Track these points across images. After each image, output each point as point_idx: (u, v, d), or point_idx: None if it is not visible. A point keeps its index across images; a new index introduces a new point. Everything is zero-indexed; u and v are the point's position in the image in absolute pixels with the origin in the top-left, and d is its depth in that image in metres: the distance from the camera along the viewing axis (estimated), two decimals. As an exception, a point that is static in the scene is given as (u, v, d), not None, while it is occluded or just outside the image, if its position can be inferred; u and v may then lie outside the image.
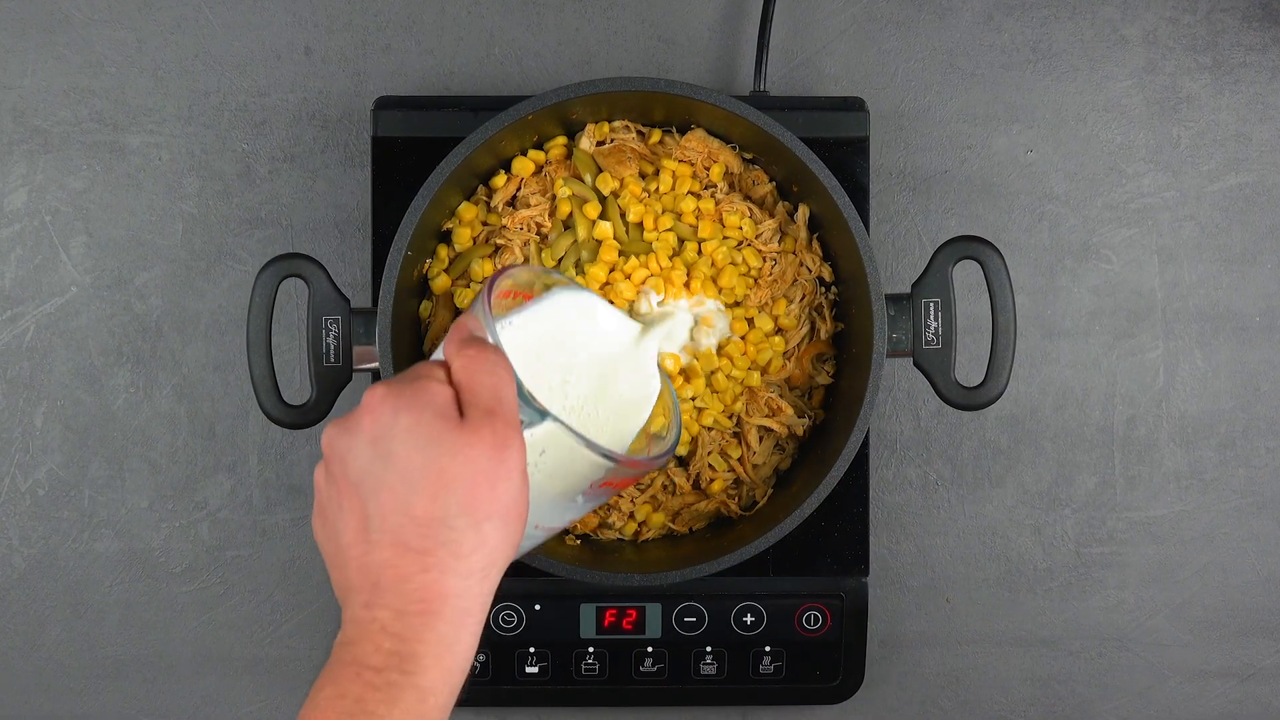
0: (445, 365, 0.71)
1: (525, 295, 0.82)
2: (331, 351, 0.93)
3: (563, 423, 0.71)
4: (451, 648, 0.66)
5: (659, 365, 0.88)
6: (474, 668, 1.00)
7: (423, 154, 0.98)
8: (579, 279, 0.96)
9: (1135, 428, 1.07)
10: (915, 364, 0.94)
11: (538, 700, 1.02)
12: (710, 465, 0.98)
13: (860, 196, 0.99)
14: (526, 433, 0.69)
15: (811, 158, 0.92)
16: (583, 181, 0.98)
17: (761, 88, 1.04)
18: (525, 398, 0.70)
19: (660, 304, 0.96)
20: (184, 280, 1.06)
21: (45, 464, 1.06)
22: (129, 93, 1.06)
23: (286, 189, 1.06)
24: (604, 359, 0.84)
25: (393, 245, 0.91)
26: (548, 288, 0.83)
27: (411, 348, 0.97)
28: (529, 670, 1.01)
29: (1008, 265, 0.94)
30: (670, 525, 0.99)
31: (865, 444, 1.01)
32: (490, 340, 0.72)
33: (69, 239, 1.05)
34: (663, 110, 0.98)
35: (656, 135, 0.99)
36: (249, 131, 1.06)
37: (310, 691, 0.65)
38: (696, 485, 0.99)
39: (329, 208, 1.06)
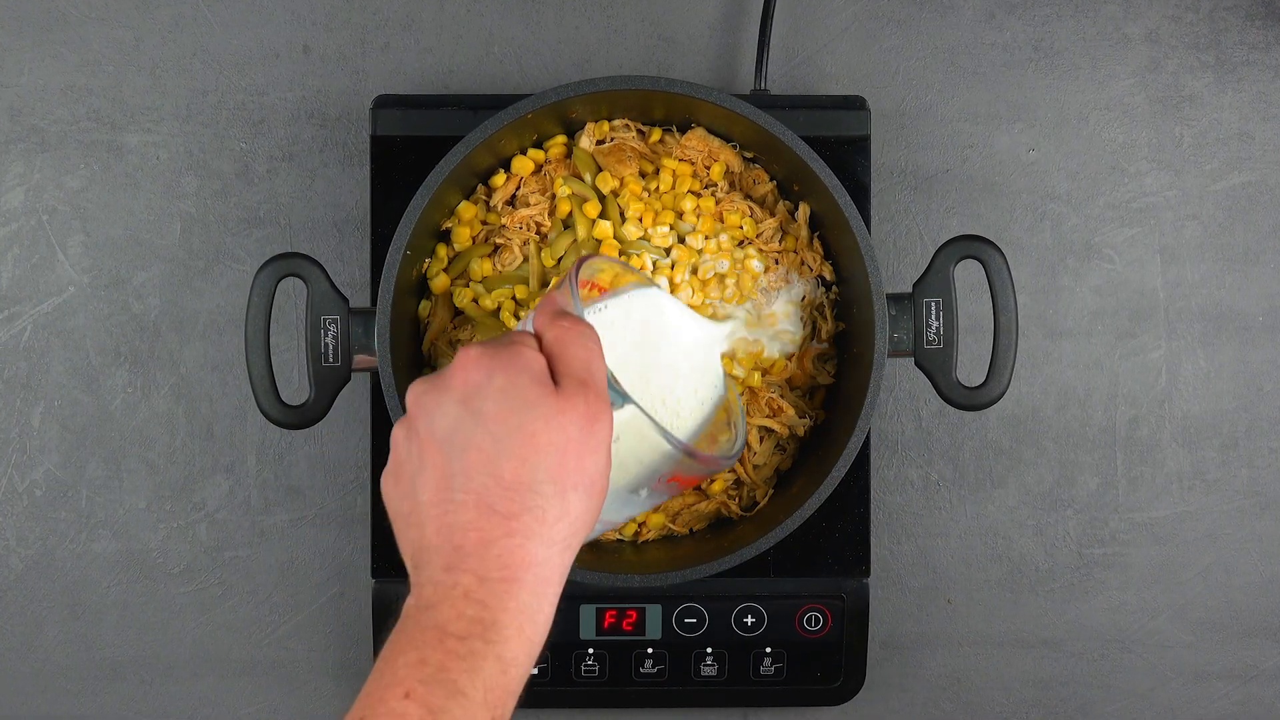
0: (535, 336, 0.70)
1: (601, 288, 0.82)
2: (330, 351, 0.92)
3: (643, 409, 0.70)
4: (533, 618, 0.65)
5: (724, 369, 0.88)
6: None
7: (422, 153, 0.98)
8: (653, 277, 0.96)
9: (1137, 428, 1.07)
10: (916, 364, 0.94)
11: (537, 702, 1.02)
12: (711, 466, 0.98)
13: (861, 195, 0.99)
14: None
15: (812, 156, 0.92)
16: (582, 180, 0.98)
17: (762, 86, 1.03)
18: (609, 380, 0.70)
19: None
20: (182, 280, 1.05)
21: (43, 464, 1.05)
22: (126, 91, 1.05)
23: (285, 188, 1.06)
24: (675, 358, 0.84)
25: (392, 244, 0.91)
26: (624, 283, 0.83)
27: (411, 347, 0.97)
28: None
29: (1009, 265, 0.93)
30: (670, 526, 0.99)
31: (866, 444, 1.00)
32: (577, 313, 0.72)
33: (66, 238, 1.05)
34: (663, 109, 0.97)
35: (657, 134, 0.99)
36: (247, 130, 1.06)
37: (383, 654, 0.64)
38: (697, 486, 0.99)
39: (328, 207, 1.05)
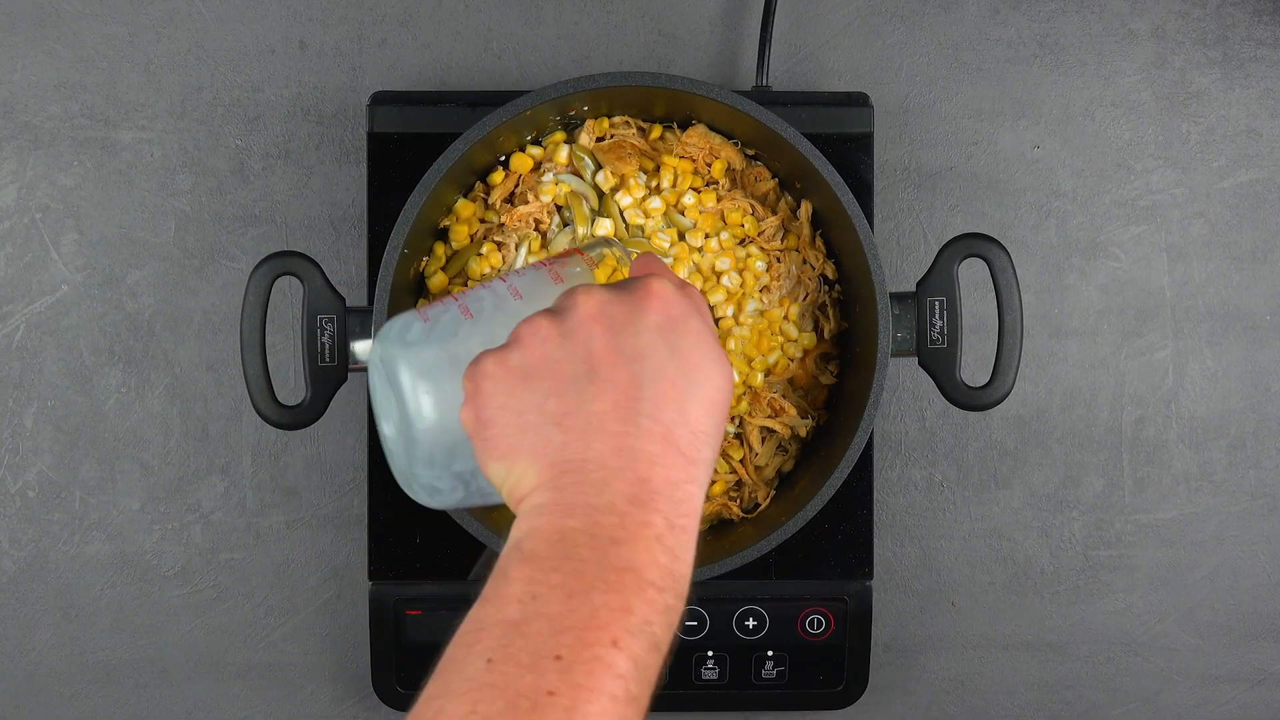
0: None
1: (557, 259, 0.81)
2: (327, 351, 0.91)
3: None
4: (691, 570, 0.61)
5: None
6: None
7: (419, 150, 0.97)
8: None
9: (1144, 428, 1.06)
10: (920, 364, 0.93)
11: (536, 706, 1.01)
12: (712, 467, 0.97)
13: (864, 193, 0.98)
14: None
15: (815, 154, 0.91)
16: (582, 178, 0.97)
17: (764, 83, 1.02)
18: None
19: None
20: (177, 278, 1.04)
21: (35, 465, 1.04)
22: (120, 88, 1.04)
23: (281, 186, 1.05)
24: None
25: (389, 243, 0.90)
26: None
27: (407, 347, 0.96)
28: (527, 675, 1.00)
29: (1014, 263, 0.92)
30: (671, 528, 0.98)
31: (869, 445, 1.00)
32: None
33: (59, 236, 1.04)
34: (663, 105, 0.97)
35: (657, 131, 0.98)
36: (242, 127, 1.05)
37: (555, 580, 0.57)
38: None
39: (324, 205, 1.05)
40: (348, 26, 1.05)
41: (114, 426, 1.04)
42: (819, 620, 1.01)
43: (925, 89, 1.06)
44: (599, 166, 0.97)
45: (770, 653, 1.01)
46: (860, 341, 0.95)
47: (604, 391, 0.61)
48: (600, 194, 0.97)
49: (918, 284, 0.93)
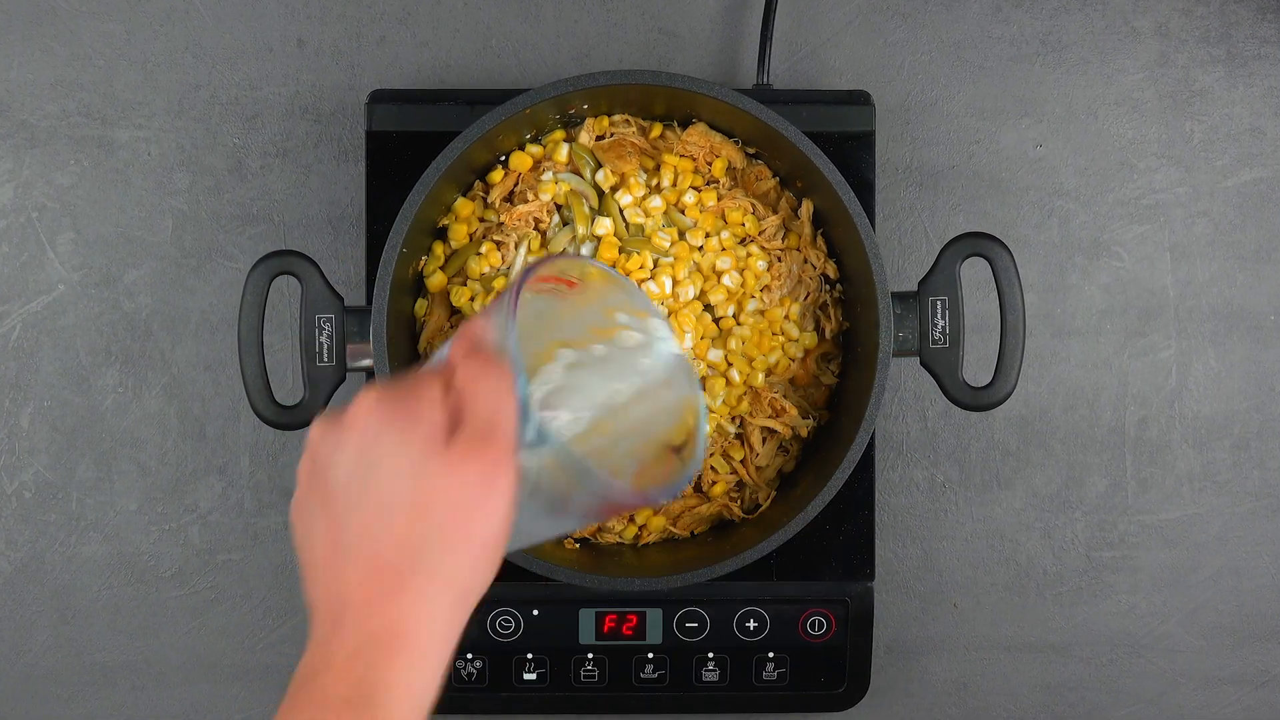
0: (449, 370, 0.67)
1: (569, 283, 0.77)
2: (325, 351, 0.91)
3: (569, 450, 0.66)
4: (421, 677, 0.63)
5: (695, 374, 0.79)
6: (470, 674, 0.99)
7: (418, 149, 0.96)
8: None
9: (1147, 429, 1.05)
10: (922, 363, 0.93)
11: (536, 707, 1.01)
12: (712, 467, 0.97)
13: (866, 192, 0.98)
14: (528, 452, 0.65)
15: (816, 152, 0.91)
16: (582, 177, 0.96)
17: (765, 81, 1.02)
18: (531, 417, 0.65)
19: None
20: (174, 278, 1.04)
21: (32, 466, 1.04)
22: (117, 86, 1.04)
23: (279, 184, 1.04)
24: (631, 363, 0.77)
25: (387, 242, 0.90)
26: (593, 276, 0.77)
27: (407, 346, 0.96)
28: (527, 677, 1.00)
29: (1016, 262, 0.92)
30: (671, 529, 0.97)
31: (871, 445, 0.99)
32: (508, 342, 0.66)
33: (56, 236, 1.04)
34: (663, 104, 0.96)
35: (657, 129, 0.97)
36: (240, 125, 1.04)
37: None
38: (698, 488, 0.97)
39: (322, 204, 1.04)
40: (346, 24, 1.04)
41: (111, 427, 1.04)
42: (820, 622, 1.00)
43: (927, 87, 1.05)
44: (599, 165, 0.97)
45: (771, 654, 1.00)
46: (862, 341, 0.94)
47: (321, 532, 0.65)
48: (600, 193, 0.96)
49: (919, 283, 0.92)
